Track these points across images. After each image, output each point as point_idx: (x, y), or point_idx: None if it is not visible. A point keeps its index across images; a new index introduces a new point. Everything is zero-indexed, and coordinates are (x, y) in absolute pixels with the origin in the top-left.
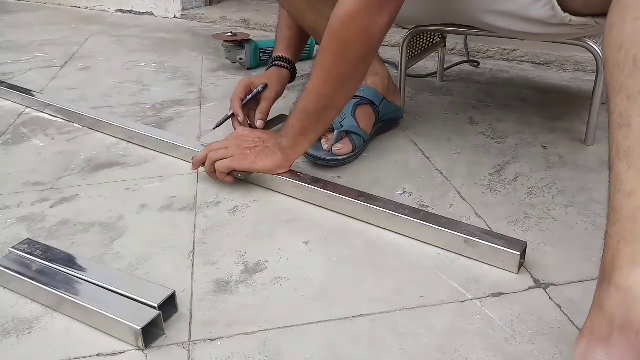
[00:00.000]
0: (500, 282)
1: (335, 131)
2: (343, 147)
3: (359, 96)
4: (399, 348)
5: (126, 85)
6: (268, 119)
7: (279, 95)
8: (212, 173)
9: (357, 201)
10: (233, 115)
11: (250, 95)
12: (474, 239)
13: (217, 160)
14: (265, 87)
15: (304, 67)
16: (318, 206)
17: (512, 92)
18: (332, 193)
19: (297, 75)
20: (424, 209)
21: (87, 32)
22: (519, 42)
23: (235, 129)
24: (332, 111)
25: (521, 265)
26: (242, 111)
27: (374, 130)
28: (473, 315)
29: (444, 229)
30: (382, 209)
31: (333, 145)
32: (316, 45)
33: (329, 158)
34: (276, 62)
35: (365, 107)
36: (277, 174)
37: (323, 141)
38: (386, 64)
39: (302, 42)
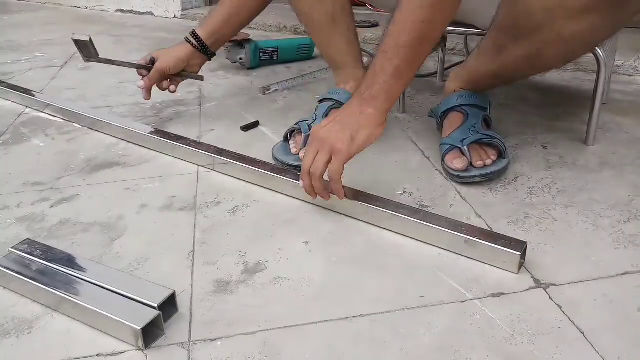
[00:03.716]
0: (500, 282)
1: (304, 134)
2: None
3: (334, 100)
4: (399, 348)
5: (126, 85)
6: (244, 125)
7: (170, 68)
8: (326, 192)
9: (357, 201)
10: None
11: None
12: (474, 239)
13: (323, 170)
14: (152, 61)
15: (304, 67)
16: (318, 206)
17: (512, 92)
18: (331, 194)
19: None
20: (424, 209)
21: (87, 32)
22: None
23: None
24: (429, 42)
25: (521, 265)
26: (135, 66)
27: None
28: (473, 315)
29: (444, 229)
30: (382, 209)
31: (302, 149)
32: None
33: (296, 164)
34: (185, 36)
35: None
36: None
37: (292, 144)
38: None
39: (230, 23)
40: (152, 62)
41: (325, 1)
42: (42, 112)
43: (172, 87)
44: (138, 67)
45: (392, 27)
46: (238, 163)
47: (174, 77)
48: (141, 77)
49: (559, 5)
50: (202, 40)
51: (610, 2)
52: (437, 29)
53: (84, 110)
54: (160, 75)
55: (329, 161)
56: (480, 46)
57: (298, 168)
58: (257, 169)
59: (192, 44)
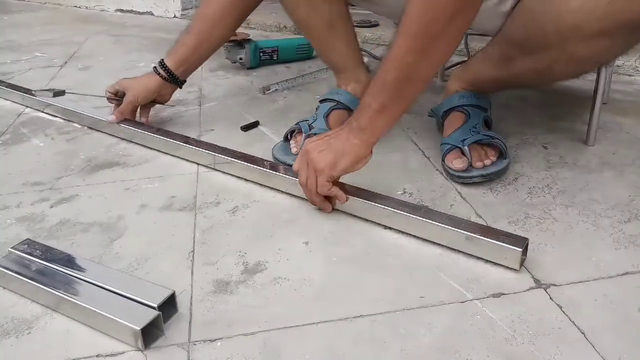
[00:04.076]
0: (500, 282)
1: (304, 134)
2: None
3: (335, 100)
4: (399, 348)
5: None
6: (244, 124)
7: (140, 100)
8: (326, 204)
9: (358, 198)
10: None
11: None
12: (475, 236)
13: (314, 184)
14: (123, 95)
15: (304, 67)
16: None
17: (512, 91)
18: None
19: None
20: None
21: (87, 31)
22: None
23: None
24: (415, 84)
25: (523, 261)
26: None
27: None
28: (473, 315)
29: (444, 226)
30: (382, 206)
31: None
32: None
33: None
34: (154, 66)
35: (340, 111)
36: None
37: (292, 144)
38: None
39: (198, 52)
40: (121, 93)
41: (321, 8)
42: (42, 112)
43: (143, 119)
44: (108, 97)
45: (382, 65)
46: (239, 161)
47: (144, 107)
48: (112, 108)
49: (574, 29)
50: (170, 70)
51: (624, 28)
52: (425, 72)
53: (84, 109)
54: (133, 108)
55: (316, 173)
56: (486, 51)
57: None
58: (257, 167)
59: (161, 75)
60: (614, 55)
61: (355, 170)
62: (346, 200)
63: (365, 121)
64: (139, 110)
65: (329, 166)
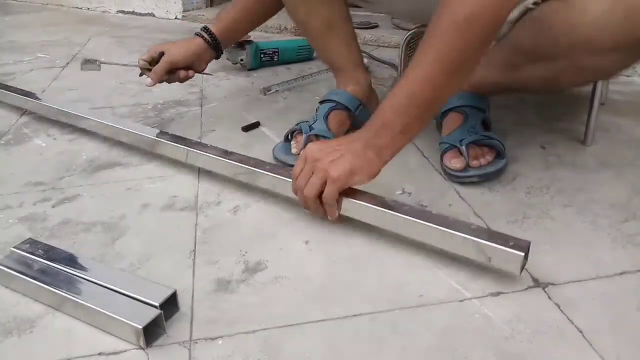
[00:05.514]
0: (499, 282)
1: (304, 134)
2: None
3: (334, 101)
4: (398, 347)
5: (127, 86)
6: (245, 125)
7: (179, 61)
8: (321, 210)
9: (354, 199)
10: None
11: (150, 59)
12: (475, 239)
13: (319, 191)
14: (161, 54)
15: (304, 67)
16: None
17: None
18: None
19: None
20: (424, 208)
21: (89, 32)
22: None
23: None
24: (440, 103)
25: (523, 266)
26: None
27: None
28: (472, 314)
29: (444, 229)
30: (381, 209)
31: (302, 149)
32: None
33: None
34: (196, 31)
35: (339, 112)
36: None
37: (293, 144)
38: (386, 65)
39: (240, 22)
40: (157, 59)
41: (321, 9)
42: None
43: (182, 74)
44: (141, 67)
45: (406, 85)
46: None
47: (177, 72)
48: (146, 74)
49: (585, 43)
50: (214, 35)
51: (635, 43)
52: (453, 90)
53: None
54: (170, 68)
55: (324, 184)
56: (490, 56)
57: None
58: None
59: (205, 39)
60: (623, 68)
61: (362, 184)
62: (337, 217)
63: (387, 140)
64: (175, 74)
65: (344, 176)
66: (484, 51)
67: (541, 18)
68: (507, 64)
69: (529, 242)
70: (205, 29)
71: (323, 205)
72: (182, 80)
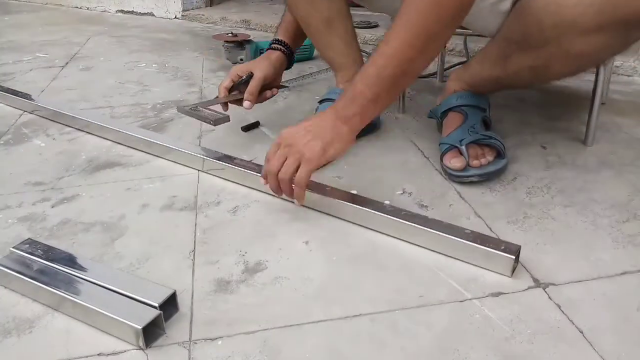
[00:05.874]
0: (499, 282)
1: None
2: None
3: (333, 100)
4: (398, 347)
5: (127, 85)
6: (244, 125)
7: (269, 77)
8: (292, 193)
9: (350, 204)
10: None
11: (237, 83)
12: (466, 242)
13: (292, 174)
14: (250, 76)
15: (304, 67)
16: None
17: (511, 92)
18: (323, 196)
19: (295, 77)
20: (424, 208)
21: (88, 32)
22: None
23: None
24: (410, 78)
25: (514, 268)
26: (228, 98)
27: None
28: (472, 314)
29: (437, 232)
30: (374, 212)
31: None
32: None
33: None
34: (272, 45)
35: None
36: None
37: None
38: None
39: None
40: (237, 83)
41: (321, 6)
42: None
43: (268, 93)
44: (235, 99)
45: (377, 59)
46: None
47: (267, 86)
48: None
49: (571, 24)
50: (289, 45)
51: (621, 24)
52: (421, 67)
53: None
54: (261, 85)
55: (298, 167)
56: (485, 51)
57: None
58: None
59: (283, 51)
60: (612, 53)
61: (338, 158)
62: (303, 202)
63: (357, 109)
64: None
65: (317, 155)
66: (452, 28)
67: (528, 3)
68: (499, 56)
69: (519, 247)
70: (279, 41)
71: (293, 189)
72: (267, 99)
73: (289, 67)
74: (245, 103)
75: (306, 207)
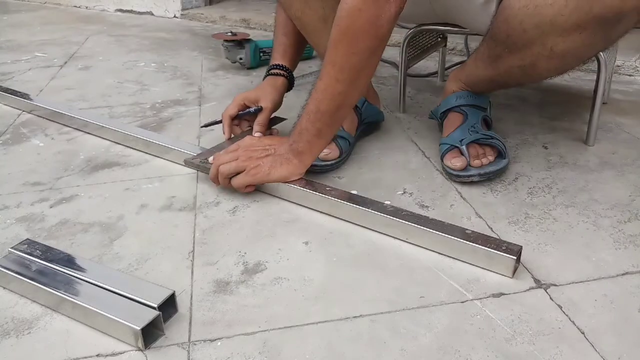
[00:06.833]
0: (500, 283)
1: None
2: (330, 152)
3: None
4: (399, 348)
5: (126, 85)
6: (205, 123)
7: (276, 104)
8: (229, 185)
9: (350, 204)
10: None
11: (242, 113)
12: (467, 242)
13: (231, 174)
14: (259, 110)
15: (304, 66)
16: (310, 208)
17: (512, 91)
18: (323, 195)
19: (295, 77)
20: (425, 209)
21: (87, 31)
22: None
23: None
24: (346, 109)
25: (516, 269)
26: (231, 128)
27: (358, 133)
28: (473, 315)
29: (438, 232)
30: (373, 212)
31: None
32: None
33: (317, 164)
34: (272, 71)
35: None
36: (290, 181)
37: None
38: (386, 64)
39: (299, 48)
40: (242, 110)
41: (315, 5)
42: (41, 116)
43: (274, 132)
44: (230, 122)
45: (315, 94)
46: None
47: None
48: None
49: (550, 23)
50: (288, 68)
51: (600, 21)
52: (354, 97)
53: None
54: (270, 115)
55: (239, 171)
56: (477, 52)
57: (317, 167)
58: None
59: (285, 76)
60: (595, 51)
61: (280, 182)
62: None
63: (304, 145)
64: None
65: (261, 174)
66: (373, 58)
67: (509, 5)
68: (490, 57)
69: (521, 247)
70: (280, 66)
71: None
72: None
73: (289, 89)
74: (257, 135)
75: (306, 207)
